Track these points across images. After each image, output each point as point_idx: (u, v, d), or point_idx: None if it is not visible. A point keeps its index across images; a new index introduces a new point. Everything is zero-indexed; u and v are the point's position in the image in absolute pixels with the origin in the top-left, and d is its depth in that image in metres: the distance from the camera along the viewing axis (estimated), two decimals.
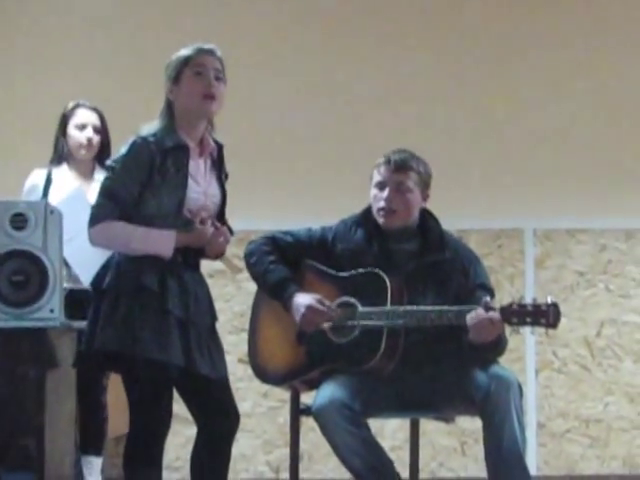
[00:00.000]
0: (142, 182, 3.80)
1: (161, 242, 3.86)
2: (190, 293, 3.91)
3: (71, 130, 5.13)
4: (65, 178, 5.12)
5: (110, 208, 3.79)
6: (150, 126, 3.91)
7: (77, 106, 5.21)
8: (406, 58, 7.11)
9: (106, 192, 3.83)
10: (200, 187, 3.96)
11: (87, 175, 5.18)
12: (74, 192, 4.98)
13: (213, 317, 4.01)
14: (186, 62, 3.93)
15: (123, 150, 3.82)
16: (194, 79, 3.90)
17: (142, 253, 3.80)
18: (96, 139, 5.12)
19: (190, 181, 3.90)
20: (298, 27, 7.13)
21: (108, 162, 3.94)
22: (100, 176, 4.58)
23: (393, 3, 7.24)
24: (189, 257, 3.95)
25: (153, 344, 3.75)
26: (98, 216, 3.80)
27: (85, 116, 5.14)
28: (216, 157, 4.04)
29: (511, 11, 7.39)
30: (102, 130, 5.14)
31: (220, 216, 4.02)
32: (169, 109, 3.92)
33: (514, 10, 7.39)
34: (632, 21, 7.34)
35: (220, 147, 4.04)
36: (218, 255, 4.10)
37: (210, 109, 3.95)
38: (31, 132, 5.77)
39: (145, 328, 3.76)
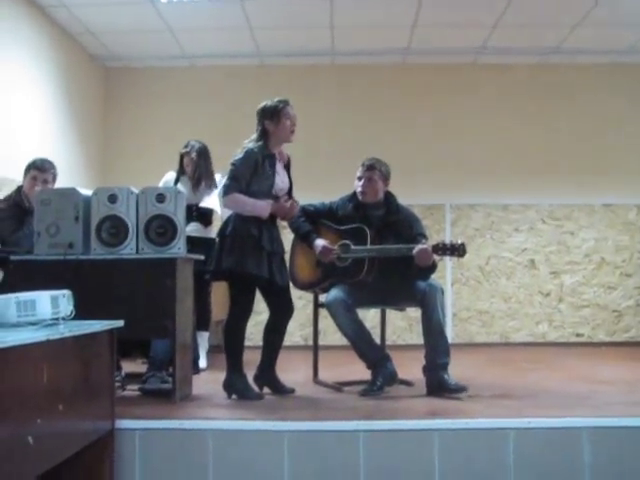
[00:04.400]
0: (251, 173, 4.47)
1: (263, 208, 4.49)
2: (274, 238, 4.59)
3: (185, 160, 5.88)
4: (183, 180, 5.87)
5: (234, 187, 4.46)
6: (253, 143, 4.55)
7: (187, 146, 5.89)
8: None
9: (232, 176, 4.50)
10: (280, 178, 4.60)
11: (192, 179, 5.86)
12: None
13: (283, 250, 4.70)
14: (283, 107, 4.59)
15: (240, 154, 4.51)
16: (286, 120, 4.58)
17: (251, 214, 4.45)
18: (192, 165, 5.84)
19: (276, 175, 4.56)
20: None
21: (232, 161, 4.54)
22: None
23: None
24: (273, 218, 4.58)
25: (253, 265, 4.43)
26: (228, 190, 4.48)
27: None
28: (286, 162, 4.71)
29: None
30: (198, 160, 5.80)
31: (289, 196, 4.65)
32: (265, 134, 4.57)
33: None
34: None
35: (289, 157, 4.73)
36: (288, 218, 4.73)
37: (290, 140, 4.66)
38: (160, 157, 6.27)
39: (249, 256, 4.43)
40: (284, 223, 4.77)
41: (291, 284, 4.99)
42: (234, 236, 4.46)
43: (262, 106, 4.62)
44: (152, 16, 7.20)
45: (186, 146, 5.86)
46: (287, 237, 4.95)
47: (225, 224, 4.59)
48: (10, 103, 6.43)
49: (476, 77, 8.43)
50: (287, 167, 4.71)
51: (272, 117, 4.56)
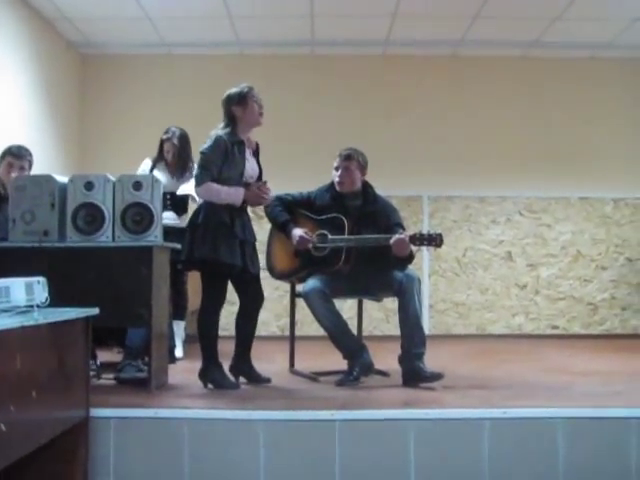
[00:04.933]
0: (221, 160, 4.44)
1: (237, 195, 4.48)
2: (245, 225, 4.58)
3: (165, 146, 5.85)
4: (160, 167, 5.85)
5: (207, 175, 4.44)
6: (222, 131, 4.54)
7: (167, 132, 5.87)
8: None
9: (202, 165, 4.47)
10: (249, 165, 4.59)
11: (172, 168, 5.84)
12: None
13: (254, 238, 4.68)
14: (249, 91, 4.58)
15: (209, 142, 4.49)
16: (253, 104, 4.56)
17: (225, 202, 4.43)
18: (173, 150, 5.80)
19: (245, 161, 4.55)
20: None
21: (201, 149, 4.51)
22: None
23: None
24: (244, 205, 4.57)
25: (226, 254, 4.42)
26: (201, 180, 4.45)
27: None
28: (255, 149, 4.70)
29: None
30: (180, 146, 5.77)
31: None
32: (233, 120, 4.56)
33: None
34: None
35: (257, 144, 4.71)
36: (262, 203, 4.71)
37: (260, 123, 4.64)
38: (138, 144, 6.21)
39: (222, 245, 4.41)
40: (261, 213, 4.78)
41: (268, 273, 5.01)
42: (206, 225, 4.44)
43: (227, 93, 4.60)
44: (130, 3, 7.13)
45: (167, 132, 5.84)
46: (264, 227, 4.93)
47: (196, 213, 4.56)
48: None
49: (456, 69, 8.46)
50: (256, 154, 4.69)
51: (239, 102, 4.55)
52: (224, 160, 4.46)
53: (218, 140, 4.48)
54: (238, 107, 4.55)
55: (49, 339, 3.13)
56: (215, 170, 4.44)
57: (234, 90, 4.60)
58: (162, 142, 5.85)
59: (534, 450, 3.66)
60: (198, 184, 4.47)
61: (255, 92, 4.61)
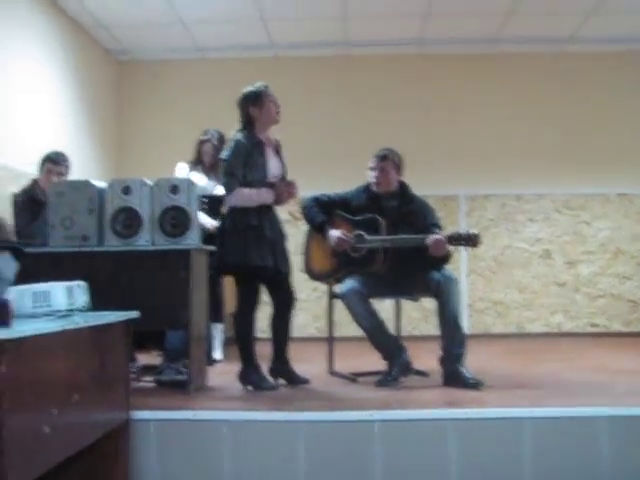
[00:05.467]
0: (243, 163, 4.45)
1: (266, 196, 4.49)
2: (274, 224, 4.59)
3: (204, 147, 5.90)
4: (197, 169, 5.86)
5: (234, 182, 4.45)
6: (239, 133, 4.54)
7: (206, 133, 5.93)
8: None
9: (228, 172, 4.48)
10: (272, 163, 4.58)
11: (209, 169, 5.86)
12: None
13: (284, 237, 4.67)
14: (265, 90, 4.57)
15: (229, 148, 4.50)
16: (270, 103, 4.55)
17: (257, 204, 4.44)
18: (212, 151, 5.82)
19: (268, 161, 4.54)
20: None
21: (222, 156, 4.55)
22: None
23: None
24: (273, 204, 4.58)
25: (257, 257, 4.43)
26: (230, 187, 4.47)
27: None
28: (276, 147, 4.68)
29: None
30: (218, 147, 5.71)
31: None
32: (250, 121, 4.55)
33: None
34: None
35: (277, 141, 4.69)
36: (290, 199, 4.64)
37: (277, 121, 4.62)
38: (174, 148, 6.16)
39: (252, 248, 4.42)
40: (298, 215, 4.75)
41: (306, 274, 5.02)
42: (235, 229, 4.45)
43: (243, 94, 4.60)
44: (164, 9, 7.20)
45: (205, 133, 5.88)
46: (301, 228, 4.93)
47: (224, 218, 4.57)
48: (26, 98, 6.45)
49: (491, 67, 8.41)
50: (277, 152, 4.67)
51: (255, 102, 4.55)
52: (246, 163, 4.46)
53: (237, 144, 4.49)
54: (254, 107, 4.55)
55: (90, 342, 3.15)
56: (240, 175, 4.44)
57: (249, 89, 4.60)
58: (200, 143, 5.88)
59: (576, 449, 3.61)
60: (228, 191, 4.48)
61: (270, 91, 4.60)
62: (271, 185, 4.51)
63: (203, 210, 5.14)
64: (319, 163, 7.81)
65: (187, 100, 8.31)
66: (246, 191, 4.44)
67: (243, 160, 4.45)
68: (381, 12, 7.41)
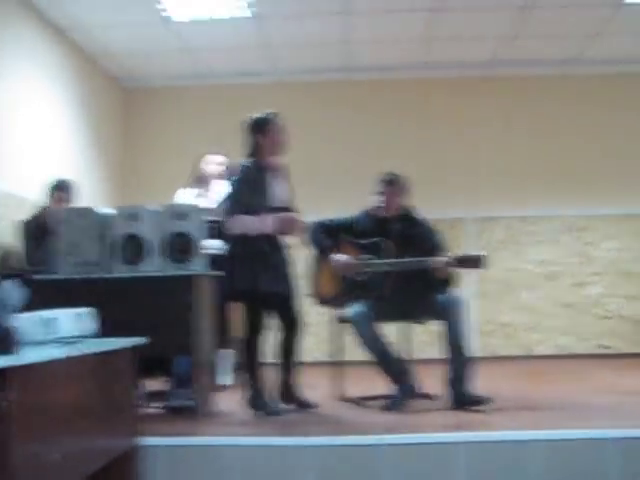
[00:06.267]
0: (249, 189, 4.46)
1: (266, 221, 4.46)
2: (280, 251, 4.59)
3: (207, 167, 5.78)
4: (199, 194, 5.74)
5: (236, 209, 4.46)
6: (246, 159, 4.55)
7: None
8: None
9: (231, 198, 4.50)
10: (278, 189, 4.59)
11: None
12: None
13: (288, 263, 4.65)
14: (273, 119, 4.58)
15: (238, 174, 4.51)
16: (276, 131, 4.57)
17: (258, 232, 4.43)
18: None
19: (273, 186, 4.54)
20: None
21: (231, 180, 4.56)
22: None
23: None
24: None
25: (266, 283, 4.43)
26: (231, 213, 4.47)
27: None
28: (282, 172, 4.68)
29: None
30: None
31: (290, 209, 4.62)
32: (257, 147, 4.55)
33: None
34: None
35: (284, 167, 4.69)
36: (295, 233, 4.66)
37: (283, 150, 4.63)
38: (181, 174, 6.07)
39: (261, 274, 4.43)
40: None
41: (312, 299, 5.01)
42: (243, 255, 4.45)
43: (251, 120, 4.61)
44: (168, 36, 7.26)
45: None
46: (306, 253, 4.95)
47: (232, 244, 4.57)
48: (32, 124, 6.49)
49: (492, 88, 8.42)
50: (284, 177, 4.69)
51: (262, 130, 4.56)
52: (252, 189, 4.47)
53: (244, 170, 4.52)
54: (260, 134, 4.57)
55: (97, 369, 3.15)
56: (244, 201, 4.45)
57: (259, 116, 4.62)
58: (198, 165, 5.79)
59: (585, 471, 3.57)
60: (229, 216, 4.48)
61: (276, 119, 4.60)
62: (278, 210, 4.50)
63: (212, 236, 5.14)
64: (322, 187, 7.82)
65: (192, 126, 8.34)
66: (244, 218, 4.44)
67: (249, 186, 4.46)
68: (383, 37, 7.44)
